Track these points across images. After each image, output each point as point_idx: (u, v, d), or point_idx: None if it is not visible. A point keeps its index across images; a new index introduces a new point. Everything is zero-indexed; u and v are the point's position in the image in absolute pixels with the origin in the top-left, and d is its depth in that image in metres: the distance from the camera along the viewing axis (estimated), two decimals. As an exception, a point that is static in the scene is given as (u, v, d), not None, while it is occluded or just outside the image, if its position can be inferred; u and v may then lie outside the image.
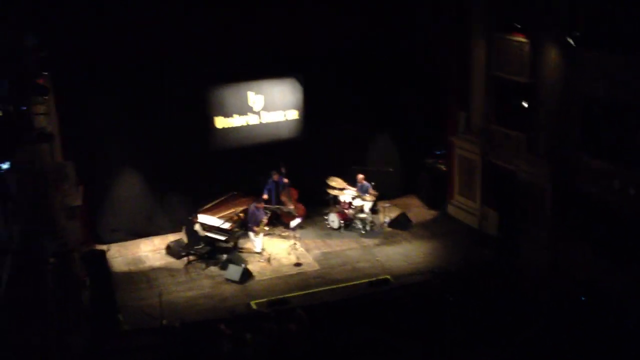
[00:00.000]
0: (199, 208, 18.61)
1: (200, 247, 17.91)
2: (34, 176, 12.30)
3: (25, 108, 11.29)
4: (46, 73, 14.39)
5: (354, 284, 17.04)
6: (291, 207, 19.61)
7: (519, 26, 17.96)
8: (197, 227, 17.91)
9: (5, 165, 8.91)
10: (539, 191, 17.31)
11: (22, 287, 9.65)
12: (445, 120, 21.18)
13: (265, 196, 19.37)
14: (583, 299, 15.21)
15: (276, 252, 18.62)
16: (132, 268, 17.89)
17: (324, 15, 18.01)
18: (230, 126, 19.73)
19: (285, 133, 20.50)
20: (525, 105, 18.41)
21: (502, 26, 18.51)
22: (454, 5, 19.32)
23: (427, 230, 20.19)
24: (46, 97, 13.48)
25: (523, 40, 17.68)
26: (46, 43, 13.85)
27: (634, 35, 14.85)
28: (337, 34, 18.42)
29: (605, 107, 15.79)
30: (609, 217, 15.89)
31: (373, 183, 19.96)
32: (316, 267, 17.94)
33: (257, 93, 19.83)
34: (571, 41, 15.94)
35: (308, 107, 20.46)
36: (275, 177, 19.55)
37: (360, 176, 20.02)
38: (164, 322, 14.86)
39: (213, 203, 18.94)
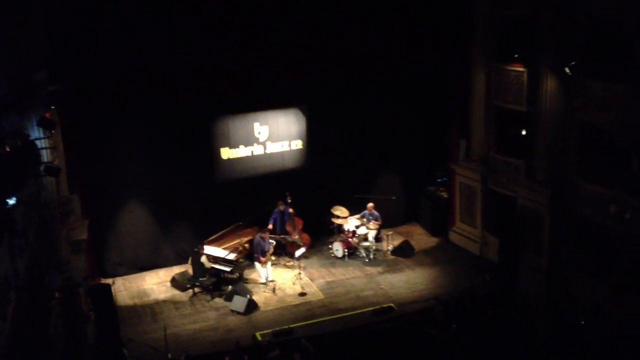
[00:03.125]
0: (204, 239, 18.75)
1: (205, 278, 17.99)
2: (39, 210, 12.41)
3: (32, 142, 11.41)
4: (53, 107, 14.56)
5: (358, 313, 17.09)
6: (296, 236, 19.72)
7: (517, 56, 18.26)
8: (203, 258, 17.99)
9: (12, 200, 8.98)
10: (538, 217, 17.45)
11: (28, 322, 9.70)
12: (446, 149, 21.36)
13: (270, 226, 19.47)
14: (583, 322, 15.25)
15: (281, 282, 18.69)
16: (137, 301, 17.93)
17: (326, 47, 18.22)
18: (235, 157, 19.90)
19: (290, 163, 20.67)
20: (524, 133, 18.67)
21: (501, 56, 18.83)
22: (455, 36, 19.60)
23: (429, 257, 20.29)
24: (53, 131, 13.65)
25: (521, 69, 17.97)
26: (54, 77, 14.00)
27: (629, 64, 15.10)
28: (339, 65, 18.60)
29: (602, 134, 16.00)
30: (606, 242, 16.02)
31: (375, 212, 20.11)
32: (321, 296, 18.01)
33: (262, 124, 20.04)
34: (568, 70, 16.20)
35: (312, 137, 20.68)
36: (281, 207, 19.67)
37: (370, 205, 20.14)
38: (170, 356, 14.93)
39: (218, 234, 19.06)
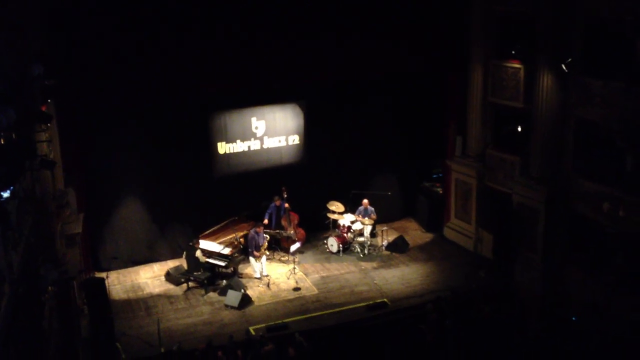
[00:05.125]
0: (199, 234, 18.72)
1: (199, 273, 17.98)
2: (34, 203, 12.37)
3: (27, 135, 11.38)
4: (50, 100, 14.52)
5: (352, 308, 17.12)
6: (291, 231, 19.73)
7: (514, 52, 18.27)
8: (198, 253, 17.97)
9: (6, 193, 8.95)
10: (533, 214, 17.49)
11: (21, 316, 9.68)
12: (442, 145, 21.37)
13: (265, 221, 19.48)
14: (574, 319, 15.31)
15: (275, 276, 18.69)
16: (131, 295, 17.92)
17: (323, 45, 18.19)
18: (232, 152, 19.87)
19: (287, 158, 20.65)
20: (520, 129, 18.69)
21: (498, 53, 18.85)
22: (452, 34, 19.59)
23: (424, 253, 20.32)
24: (49, 125, 13.60)
25: (518, 66, 18.01)
26: (51, 71, 13.96)
27: (627, 61, 15.11)
28: (335, 63, 18.55)
29: (598, 132, 16.03)
30: (601, 239, 16.06)
31: (370, 208, 20.12)
32: (315, 291, 18.02)
33: (259, 119, 20.01)
34: (564, 67, 16.21)
35: (309, 133, 20.66)
36: (277, 202, 19.68)
37: (365, 201, 20.14)
38: (163, 349, 14.94)
39: (213, 228, 19.02)
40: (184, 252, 18.59)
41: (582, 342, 15.01)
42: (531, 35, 17.51)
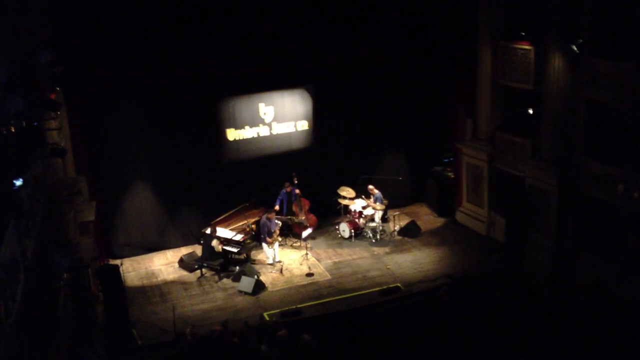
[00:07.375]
0: (211, 220, 18.77)
1: (213, 259, 18.02)
2: (46, 191, 12.42)
3: (37, 123, 11.40)
4: (58, 88, 14.55)
5: (365, 293, 17.13)
6: (302, 217, 19.74)
7: (524, 34, 18.13)
8: (214, 242, 17.98)
9: (19, 182, 8.99)
10: (545, 196, 17.40)
11: (36, 303, 9.75)
12: (453, 128, 21.29)
13: (277, 207, 19.50)
14: None
15: (288, 262, 18.73)
16: (146, 282, 18.01)
17: (332, 28, 18.12)
18: (241, 138, 19.86)
19: (296, 144, 20.62)
20: (531, 111, 18.58)
21: (508, 34, 18.71)
22: (462, 15, 19.45)
23: (436, 237, 20.27)
24: (59, 112, 13.62)
25: (528, 47, 17.86)
26: (60, 58, 13.99)
27: (635, 41, 14.97)
28: (344, 45, 18.50)
29: (609, 113, 15.90)
30: (614, 221, 15.96)
31: (378, 192, 20.06)
32: (328, 276, 18.04)
33: (267, 104, 19.96)
34: (575, 48, 16.07)
35: (318, 118, 20.60)
36: (288, 188, 19.67)
37: (370, 187, 20.13)
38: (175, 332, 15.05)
39: (225, 215, 19.08)
40: (201, 239, 18.61)
41: (592, 325, 14.96)
42: (541, 16, 17.35)
